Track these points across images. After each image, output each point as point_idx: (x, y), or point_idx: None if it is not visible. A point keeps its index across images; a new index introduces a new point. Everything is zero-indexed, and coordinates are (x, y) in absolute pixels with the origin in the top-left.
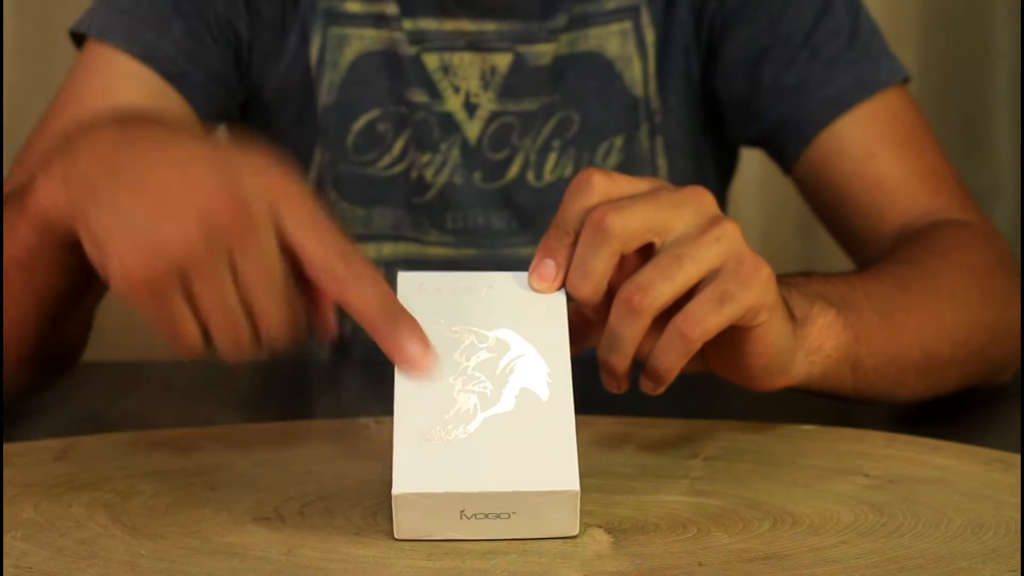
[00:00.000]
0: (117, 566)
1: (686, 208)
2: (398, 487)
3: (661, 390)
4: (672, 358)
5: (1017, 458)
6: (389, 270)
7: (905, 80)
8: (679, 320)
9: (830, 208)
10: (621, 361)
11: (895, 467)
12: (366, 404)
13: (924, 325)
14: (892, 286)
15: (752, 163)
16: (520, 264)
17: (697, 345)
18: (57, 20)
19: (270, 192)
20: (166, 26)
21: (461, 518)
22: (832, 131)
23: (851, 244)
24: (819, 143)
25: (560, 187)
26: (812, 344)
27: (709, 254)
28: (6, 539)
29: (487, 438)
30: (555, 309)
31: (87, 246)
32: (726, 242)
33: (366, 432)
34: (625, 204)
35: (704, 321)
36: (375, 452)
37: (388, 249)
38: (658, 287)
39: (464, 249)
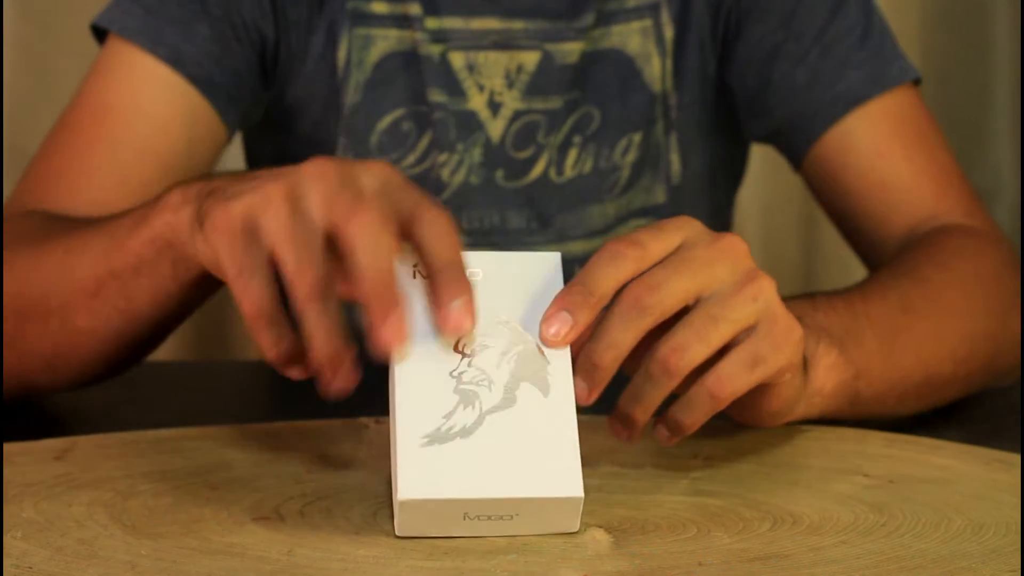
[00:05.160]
0: (117, 566)
1: (721, 265)
2: (403, 492)
3: (676, 441)
4: (697, 415)
5: (1017, 458)
6: None
7: (916, 81)
8: (710, 380)
9: (838, 205)
10: (643, 415)
11: (895, 467)
12: (366, 403)
13: (926, 345)
14: (895, 306)
15: (753, 161)
16: None
17: (724, 404)
18: (57, 20)
19: (371, 170)
20: (192, 28)
21: (464, 519)
22: (841, 128)
23: (858, 241)
24: (828, 139)
25: (579, 183)
26: (815, 386)
27: (744, 314)
28: (6, 539)
29: (490, 440)
30: (553, 296)
31: (198, 243)
32: (761, 301)
33: (366, 432)
34: (660, 280)
35: (734, 383)
36: (375, 452)
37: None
38: (694, 349)
39: (480, 249)
